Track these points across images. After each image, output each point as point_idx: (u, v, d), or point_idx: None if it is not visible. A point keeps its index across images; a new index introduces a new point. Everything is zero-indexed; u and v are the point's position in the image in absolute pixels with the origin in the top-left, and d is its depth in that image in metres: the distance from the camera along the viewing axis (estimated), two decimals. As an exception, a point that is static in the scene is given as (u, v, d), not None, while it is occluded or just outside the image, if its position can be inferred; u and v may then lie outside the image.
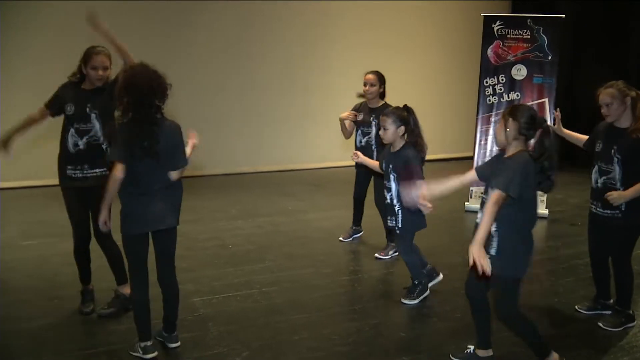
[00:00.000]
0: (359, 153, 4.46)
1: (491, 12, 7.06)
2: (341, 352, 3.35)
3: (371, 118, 5.02)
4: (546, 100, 6.43)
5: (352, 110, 5.15)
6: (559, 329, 3.69)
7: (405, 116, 3.93)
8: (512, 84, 6.53)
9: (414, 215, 3.92)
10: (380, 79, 5.06)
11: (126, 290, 3.69)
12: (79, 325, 3.64)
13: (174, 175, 3.14)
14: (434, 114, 9.86)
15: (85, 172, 3.66)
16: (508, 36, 6.51)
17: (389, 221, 4.11)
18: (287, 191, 7.66)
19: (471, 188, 6.74)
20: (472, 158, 6.86)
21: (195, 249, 5.07)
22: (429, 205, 3.38)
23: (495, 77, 6.57)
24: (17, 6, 7.06)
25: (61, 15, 7.24)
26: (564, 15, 6.49)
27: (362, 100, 5.19)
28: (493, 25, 6.56)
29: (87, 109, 3.64)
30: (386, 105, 4.95)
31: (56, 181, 3.75)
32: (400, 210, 3.98)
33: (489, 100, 6.63)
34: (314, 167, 9.22)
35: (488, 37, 6.60)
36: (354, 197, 5.39)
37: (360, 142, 5.10)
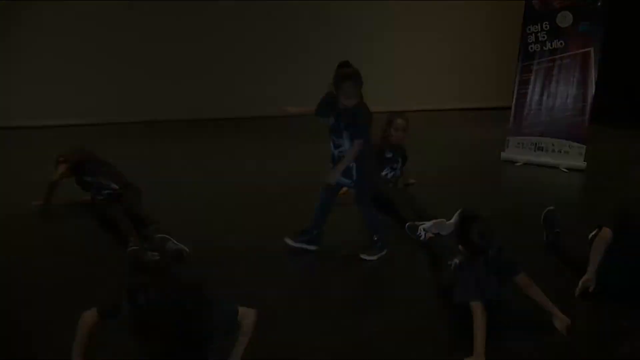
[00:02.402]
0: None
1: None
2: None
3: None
4: (591, 49, 6.20)
5: None
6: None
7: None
8: (557, 31, 6.30)
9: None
10: None
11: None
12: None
13: None
14: (471, 62, 9.66)
15: None
16: (555, -20, 6.24)
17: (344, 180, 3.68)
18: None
19: (508, 137, 6.64)
20: (509, 108, 6.72)
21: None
22: None
23: (539, 25, 6.35)
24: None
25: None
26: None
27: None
28: (539, -31, 6.30)
29: None
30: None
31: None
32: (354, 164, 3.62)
33: (531, 48, 6.43)
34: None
35: (533, -19, 6.34)
36: None
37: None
